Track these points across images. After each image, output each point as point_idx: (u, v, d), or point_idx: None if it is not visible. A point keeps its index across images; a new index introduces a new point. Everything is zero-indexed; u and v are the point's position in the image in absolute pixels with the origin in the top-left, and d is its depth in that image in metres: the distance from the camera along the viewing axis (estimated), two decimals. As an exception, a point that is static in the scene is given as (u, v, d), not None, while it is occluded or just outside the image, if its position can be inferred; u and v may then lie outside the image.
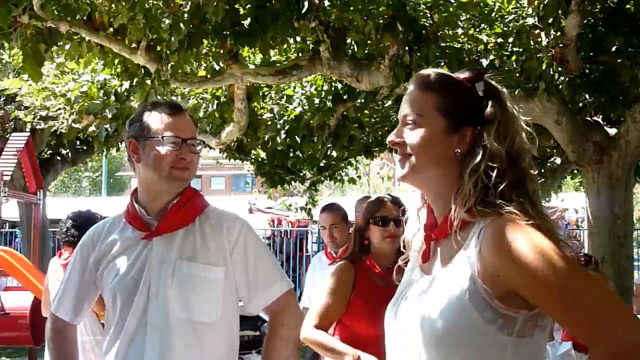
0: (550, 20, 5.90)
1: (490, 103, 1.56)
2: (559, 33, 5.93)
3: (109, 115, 8.80)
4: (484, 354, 1.44)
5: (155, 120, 2.30)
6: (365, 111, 8.89)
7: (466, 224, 1.50)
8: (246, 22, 5.76)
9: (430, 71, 1.63)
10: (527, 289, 1.40)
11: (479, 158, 1.50)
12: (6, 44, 6.14)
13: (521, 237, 1.41)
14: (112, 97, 8.81)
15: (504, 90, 1.61)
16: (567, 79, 6.10)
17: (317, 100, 8.49)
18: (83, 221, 4.36)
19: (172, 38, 5.64)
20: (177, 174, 2.29)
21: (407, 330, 1.54)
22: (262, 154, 10.34)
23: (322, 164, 10.69)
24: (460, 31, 6.88)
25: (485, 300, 1.43)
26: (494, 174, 1.48)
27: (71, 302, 2.43)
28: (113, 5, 5.70)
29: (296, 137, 8.72)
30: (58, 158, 13.85)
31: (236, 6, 5.71)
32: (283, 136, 8.79)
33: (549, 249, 1.39)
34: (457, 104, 1.56)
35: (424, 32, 5.96)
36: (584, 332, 1.37)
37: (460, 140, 1.54)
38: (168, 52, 6.01)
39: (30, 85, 9.72)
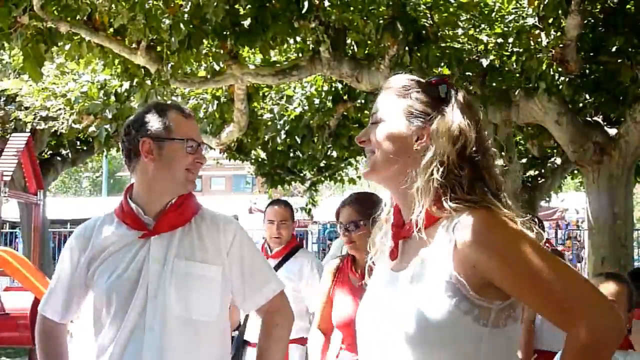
0: (550, 21, 5.90)
1: (446, 105, 1.61)
2: (559, 33, 5.92)
3: (109, 116, 8.80)
4: (461, 345, 1.48)
5: (176, 122, 2.31)
6: (365, 111, 8.88)
7: (438, 220, 1.54)
8: (246, 23, 5.76)
9: (401, 75, 1.71)
10: (504, 278, 1.45)
11: (429, 156, 1.55)
12: (6, 44, 6.14)
13: (496, 228, 1.47)
14: (112, 98, 8.81)
15: (467, 96, 1.66)
16: (567, 79, 6.10)
17: (317, 101, 8.50)
18: None
19: (172, 38, 5.64)
20: (191, 177, 2.32)
21: (382, 328, 1.57)
22: (262, 154, 10.35)
23: (322, 164, 10.70)
24: (460, 31, 6.88)
25: (461, 292, 1.47)
26: (452, 173, 1.53)
27: (60, 301, 2.41)
28: (113, 6, 5.70)
29: (296, 137, 8.73)
30: (58, 158, 13.86)
31: (236, 6, 5.71)
32: (283, 136, 8.80)
33: (523, 239, 1.45)
34: (419, 105, 1.62)
35: (424, 32, 5.96)
36: (560, 318, 1.42)
37: (419, 138, 1.59)
38: (168, 52, 6.01)
39: (30, 85, 9.72)
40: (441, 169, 1.53)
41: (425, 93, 1.63)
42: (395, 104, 1.63)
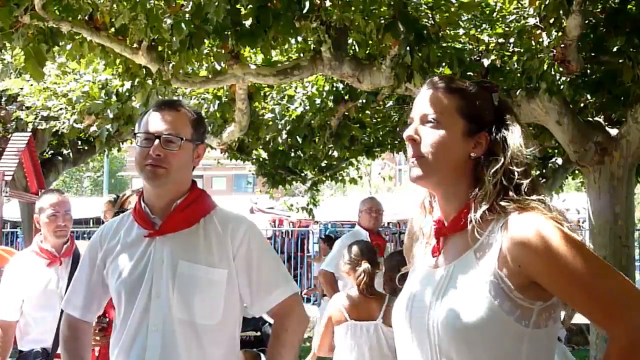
0: (551, 21, 5.89)
1: (508, 113, 1.65)
2: (560, 33, 5.92)
3: (111, 116, 8.79)
4: (502, 345, 1.48)
5: (142, 119, 2.31)
6: (367, 111, 8.89)
7: (485, 220, 1.55)
8: (247, 22, 5.76)
9: (447, 77, 1.71)
10: (550, 277, 1.46)
11: (501, 162, 1.57)
12: (8, 44, 6.13)
13: (543, 228, 1.48)
14: (114, 97, 8.81)
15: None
16: (568, 79, 6.09)
17: (318, 101, 8.49)
18: None
19: (174, 38, 5.64)
20: (150, 171, 2.23)
21: (421, 326, 1.57)
22: (264, 154, 10.35)
23: (323, 164, 10.70)
24: (461, 31, 6.88)
25: (504, 292, 1.48)
26: (515, 177, 1.57)
27: (80, 298, 2.44)
28: (114, 6, 5.70)
29: (297, 137, 8.72)
30: (59, 158, 13.85)
31: (237, 6, 5.70)
32: (284, 136, 8.79)
33: (570, 240, 1.46)
34: (477, 109, 1.63)
35: (425, 32, 5.95)
36: (604, 319, 1.43)
37: (476, 144, 1.61)
38: (169, 52, 6.01)
39: (31, 85, 9.72)
40: (514, 176, 1.57)
41: (481, 99, 1.64)
42: (451, 106, 1.62)
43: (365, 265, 3.93)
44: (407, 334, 1.61)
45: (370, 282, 3.92)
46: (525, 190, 1.56)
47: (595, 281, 1.42)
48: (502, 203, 1.54)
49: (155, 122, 2.24)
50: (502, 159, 1.57)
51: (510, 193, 1.55)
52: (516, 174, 1.57)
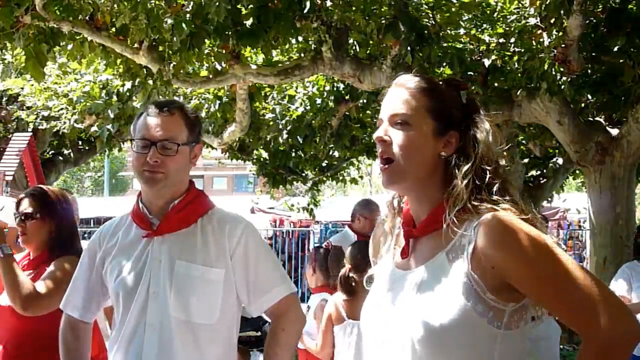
0: (552, 21, 5.89)
1: (476, 111, 1.63)
2: (561, 33, 5.92)
3: (111, 115, 8.80)
4: (475, 347, 1.47)
5: (137, 121, 2.31)
6: (367, 111, 8.89)
7: (458, 220, 1.53)
8: (248, 22, 5.76)
9: (417, 75, 1.67)
10: (522, 279, 1.45)
11: (472, 161, 1.55)
12: (9, 44, 6.14)
13: (516, 229, 1.46)
14: (115, 97, 8.82)
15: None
16: (569, 79, 6.09)
17: (319, 101, 8.50)
18: None
19: (174, 38, 5.64)
20: (148, 176, 2.24)
21: (391, 328, 1.55)
22: (264, 154, 10.35)
23: (324, 164, 10.71)
24: (462, 31, 6.88)
25: (477, 294, 1.46)
26: (487, 176, 1.54)
27: (79, 298, 2.44)
28: (115, 6, 5.70)
29: (298, 137, 8.73)
30: (60, 158, 13.87)
31: (238, 6, 5.71)
32: (285, 136, 8.80)
33: (542, 241, 1.45)
34: (446, 108, 1.60)
35: (426, 32, 5.95)
36: (577, 320, 1.42)
37: (446, 144, 1.59)
38: (170, 52, 6.01)
39: (32, 85, 9.73)
40: (486, 175, 1.54)
41: (449, 97, 1.62)
42: (420, 106, 1.59)
43: (342, 269, 4.05)
44: (379, 337, 1.59)
45: (347, 285, 4.01)
46: (497, 190, 1.53)
47: (567, 283, 1.40)
48: (475, 203, 1.51)
49: (151, 127, 2.24)
50: (473, 158, 1.55)
51: (483, 192, 1.53)
52: (487, 172, 1.54)
